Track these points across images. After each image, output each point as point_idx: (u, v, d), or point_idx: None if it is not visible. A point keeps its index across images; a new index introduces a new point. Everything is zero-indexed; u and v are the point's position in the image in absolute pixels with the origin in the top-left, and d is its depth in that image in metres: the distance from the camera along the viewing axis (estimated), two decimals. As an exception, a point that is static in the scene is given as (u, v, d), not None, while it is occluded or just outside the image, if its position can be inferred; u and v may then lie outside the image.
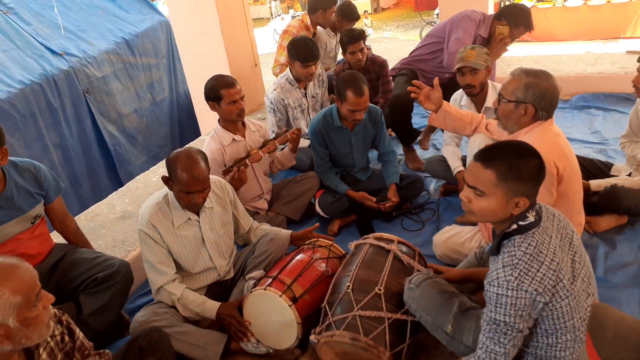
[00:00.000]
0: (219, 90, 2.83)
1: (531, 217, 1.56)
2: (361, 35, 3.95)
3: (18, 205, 2.21)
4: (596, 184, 2.69)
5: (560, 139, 2.16)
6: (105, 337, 2.36)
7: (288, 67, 3.70)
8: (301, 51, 3.49)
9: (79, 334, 1.67)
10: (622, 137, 2.99)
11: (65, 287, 2.34)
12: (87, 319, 2.26)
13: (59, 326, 1.59)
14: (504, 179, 1.54)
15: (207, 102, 2.92)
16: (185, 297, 2.23)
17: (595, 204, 2.64)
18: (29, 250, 2.30)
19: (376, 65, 4.12)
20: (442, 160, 3.21)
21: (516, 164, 1.54)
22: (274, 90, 3.67)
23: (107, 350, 1.79)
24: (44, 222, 2.41)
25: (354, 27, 4.31)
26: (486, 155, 1.59)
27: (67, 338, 1.61)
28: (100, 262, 2.35)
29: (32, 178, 2.28)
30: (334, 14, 4.53)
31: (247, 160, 2.84)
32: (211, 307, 2.22)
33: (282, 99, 3.65)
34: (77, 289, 2.33)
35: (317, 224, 2.62)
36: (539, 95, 2.10)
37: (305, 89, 3.74)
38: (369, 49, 4.16)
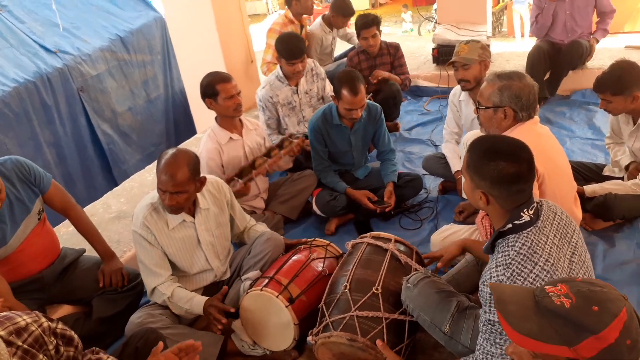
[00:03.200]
0: (215, 86, 2.80)
1: (526, 217, 1.54)
2: (374, 22, 3.94)
3: (21, 204, 2.19)
4: (590, 190, 2.65)
5: (541, 139, 2.13)
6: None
7: (279, 64, 3.62)
8: (286, 48, 3.42)
9: (77, 339, 1.57)
10: (607, 138, 2.99)
11: (78, 292, 2.39)
12: (98, 323, 2.30)
13: (53, 338, 1.46)
14: (467, 168, 1.60)
15: (204, 100, 2.89)
16: (176, 295, 2.20)
17: (589, 212, 2.62)
18: (41, 250, 2.33)
19: (391, 47, 4.12)
20: (441, 158, 3.19)
21: (477, 160, 1.57)
22: (263, 87, 3.61)
23: (96, 348, 1.70)
24: (47, 222, 2.39)
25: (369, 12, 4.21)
26: (472, 141, 1.64)
27: (62, 349, 1.50)
28: None
29: (20, 172, 2.20)
30: None
31: (252, 174, 2.87)
32: (198, 302, 2.17)
33: (271, 97, 3.57)
34: (92, 293, 2.38)
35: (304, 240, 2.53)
36: (514, 97, 2.11)
37: (296, 85, 3.65)
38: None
